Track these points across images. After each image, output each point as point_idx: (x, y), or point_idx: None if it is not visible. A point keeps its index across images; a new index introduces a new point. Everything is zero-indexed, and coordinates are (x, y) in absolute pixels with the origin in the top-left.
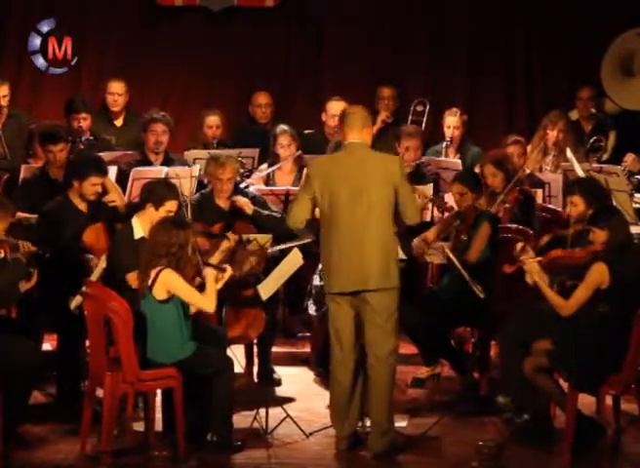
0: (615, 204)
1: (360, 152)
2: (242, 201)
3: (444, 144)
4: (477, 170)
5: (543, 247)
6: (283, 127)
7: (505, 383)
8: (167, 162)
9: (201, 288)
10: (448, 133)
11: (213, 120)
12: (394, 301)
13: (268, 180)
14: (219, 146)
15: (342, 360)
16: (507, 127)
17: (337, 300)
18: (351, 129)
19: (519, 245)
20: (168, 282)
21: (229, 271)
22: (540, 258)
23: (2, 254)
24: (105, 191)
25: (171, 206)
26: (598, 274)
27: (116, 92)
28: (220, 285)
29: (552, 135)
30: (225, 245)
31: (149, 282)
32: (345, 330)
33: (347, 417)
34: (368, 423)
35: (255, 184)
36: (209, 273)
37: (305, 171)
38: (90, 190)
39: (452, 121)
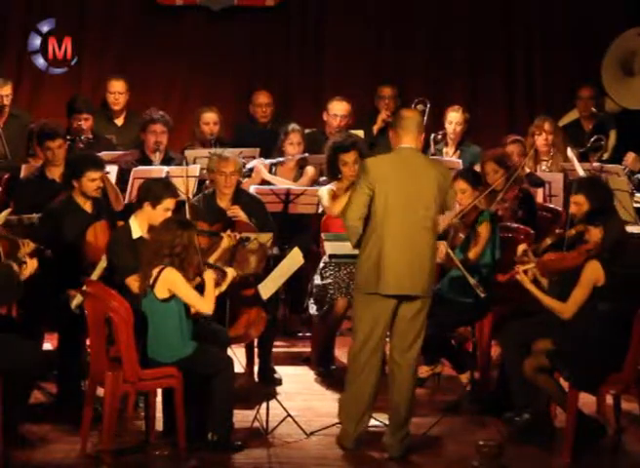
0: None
1: (415, 158)
2: (236, 213)
3: (431, 136)
4: (478, 168)
5: (546, 249)
6: (295, 126)
7: (506, 383)
8: (167, 161)
9: (200, 288)
10: (449, 128)
11: (209, 117)
12: (428, 306)
13: (270, 173)
14: (216, 143)
15: (363, 354)
16: (507, 126)
17: (379, 302)
18: (407, 133)
19: (520, 248)
20: (169, 281)
21: (232, 273)
22: (533, 264)
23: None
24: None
25: (168, 204)
26: (592, 272)
27: (117, 90)
28: (223, 287)
29: (541, 138)
30: (225, 243)
31: (151, 280)
32: (378, 331)
33: (361, 417)
34: (371, 422)
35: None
36: (208, 276)
37: (361, 168)
38: (90, 187)
39: (454, 116)
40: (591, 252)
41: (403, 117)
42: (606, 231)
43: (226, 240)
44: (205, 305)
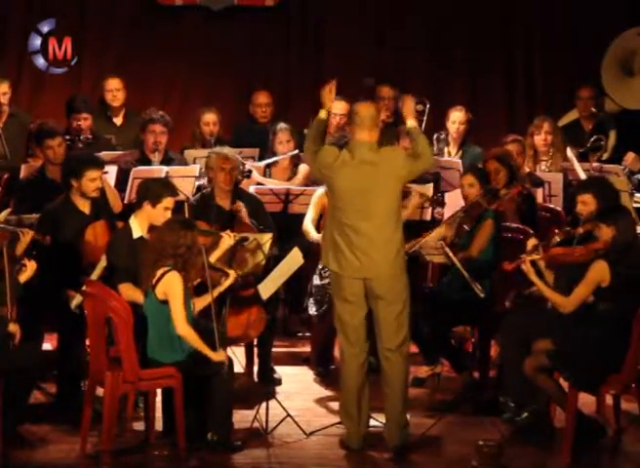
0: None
1: (367, 151)
2: (242, 211)
3: (434, 136)
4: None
5: (555, 246)
6: (283, 124)
7: (505, 383)
8: (166, 161)
9: (199, 287)
10: (452, 128)
11: (209, 117)
12: (403, 288)
13: (264, 176)
14: (216, 144)
15: (353, 355)
16: (507, 127)
17: (338, 282)
18: (361, 127)
19: (531, 243)
20: (168, 284)
21: (233, 275)
22: (540, 256)
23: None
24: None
25: (167, 202)
26: (598, 271)
27: (114, 87)
28: (222, 287)
29: (540, 139)
30: (225, 243)
31: (154, 281)
32: (353, 320)
33: (360, 416)
34: (371, 422)
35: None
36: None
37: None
38: (90, 187)
39: (457, 116)
40: (600, 251)
41: (355, 112)
42: (618, 231)
43: (226, 239)
44: (180, 327)
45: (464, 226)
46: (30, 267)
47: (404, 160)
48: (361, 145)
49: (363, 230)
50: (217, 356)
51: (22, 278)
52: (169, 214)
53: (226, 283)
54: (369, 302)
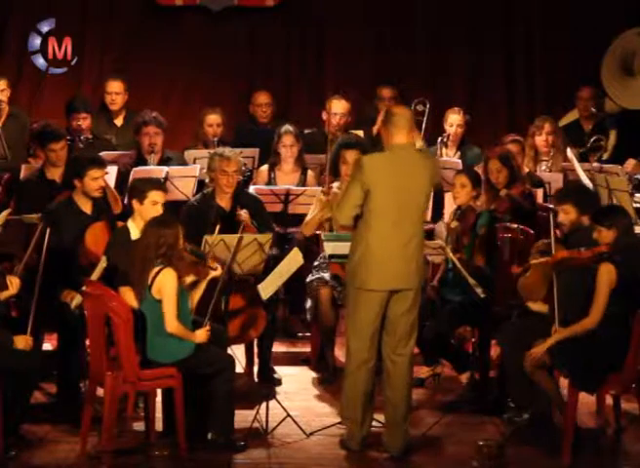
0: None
1: (408, 154)
2: (244, 216)
3: (439, 140)
4: (478, 169)
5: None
6: (288, 127)
7: (506, 383)
8: (165, 161)
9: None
10: (450, 130)
11: (214, 118)
12: (419, 302)
13: (270, 180)
14: (219, 145)
15: (363, 360)
16: (507, 127)
17: (370, 297)
18: (399, 130)
19: (537, 246)
20: (162, 281)
21: (218, 271)
22: (547, 259)
23: None
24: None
25: (154, 196)
26: (608, 275)
27: (114, 91)
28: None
29: (541, 139)
30: (210, 275)
31: (149, 281)
32: (370, 326)
33: (364, 419)
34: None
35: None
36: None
37: (357, 165)
38: (92, 186)
39: (455, 119)
40: (605, 254)
41: (393, 114)
42: (619, 232)
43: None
44: (170, 324)
45: (464, 241)
46: (14, 285)
47: (436, 169)
48: (401, 148)
49: (394, 238)
50: (199, 336)
51: (3, 296)
52: (159, 209)
53: (213, 274)
54: (387, 307)
